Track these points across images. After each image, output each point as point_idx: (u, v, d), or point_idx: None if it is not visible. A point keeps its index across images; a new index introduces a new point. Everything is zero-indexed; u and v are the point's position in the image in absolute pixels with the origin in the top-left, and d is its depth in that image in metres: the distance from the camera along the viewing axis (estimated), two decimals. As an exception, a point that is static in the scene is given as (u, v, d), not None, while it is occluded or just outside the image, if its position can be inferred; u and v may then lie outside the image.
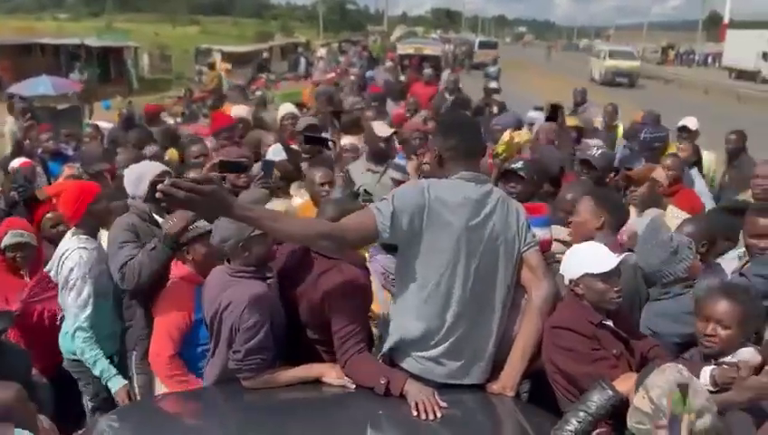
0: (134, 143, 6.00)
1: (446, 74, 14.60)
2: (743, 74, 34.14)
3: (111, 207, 3.56)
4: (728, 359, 2.39)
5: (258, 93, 13.89)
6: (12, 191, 4.28)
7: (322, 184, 4.03)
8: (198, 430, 2.51)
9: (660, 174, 4.46)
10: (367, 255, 3.29)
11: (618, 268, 2.55)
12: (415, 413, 2.29)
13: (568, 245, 3.31)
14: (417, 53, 21.85)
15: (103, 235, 3.57)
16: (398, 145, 5.65)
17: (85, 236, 3.41)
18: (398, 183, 4.27)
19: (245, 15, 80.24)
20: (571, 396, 2.47)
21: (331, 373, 2.56)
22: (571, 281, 2.61)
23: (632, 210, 3.87)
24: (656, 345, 2.70)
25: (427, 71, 12.87)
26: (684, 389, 1.50)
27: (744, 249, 3.45)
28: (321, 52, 34.00)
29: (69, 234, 3.49)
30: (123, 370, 3.43)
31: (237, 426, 2.49)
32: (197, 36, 45.60)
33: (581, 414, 2.18)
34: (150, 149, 5.60)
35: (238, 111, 7.16)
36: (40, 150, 5.98)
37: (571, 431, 2.16)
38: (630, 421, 1.89)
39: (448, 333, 2.48)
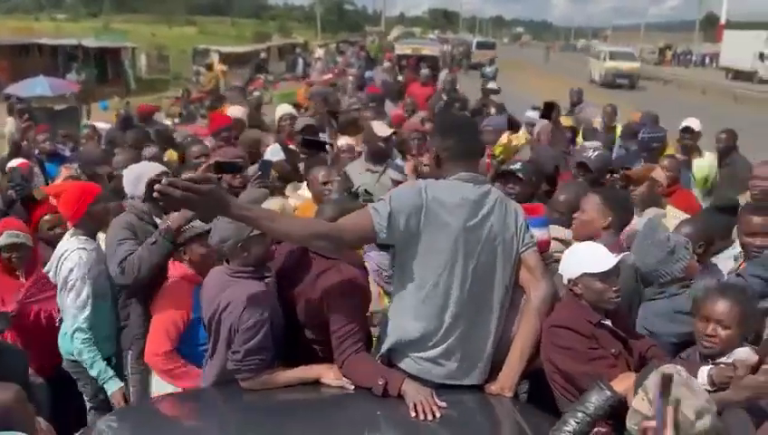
0: (131, 144, 6.00)
1: (443, 75, 14.61)
2: (739, 75, 34.18)
3: (109, 208, 3.56)
4: (723, 359, 2.41)
5: (256, 94, 13.87)
6: (9, 190, 4.27)
7: (325, 183, 4.03)
8: (197, 432, 2.51)
9: (660, 174, 4.47)
10: (360, 251, 3.29)
11: (616, 268, 2.56)
12: (413, 414, 2.29)
13: (567, 244, 3.32)
14: (415, 53, 21.85)
15: (101, 236, 3.57)
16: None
17: (84, 237, 3.42)
18: (397, 183, 4.28)
19: (243, 16, 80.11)
20: (570, 395, 2.47)
21: (329, 374, 2.56)
22: (569, 281, 2.61)
23: (632, 210, 3.88)
24: (653, 345, 2.70)
25: (424, 71, 12.87)
26: (666, 380, 1.51)
27: (739, 250, 3.47)
28: (319, 52, 34.01)
29: (68, 235, 3.49)
30: (119, 370, 3.43)
31: (236, 427, 2.50)
32: (195, 37, 45.55)
33: (579, 415, 2.18)
34: (150, 150, 5.59)
35: (234, 111, 7.15)
36: (36, 151, 5.96)
37: (570, 432, 2.16)
38: (629, 423, 1.89)
39: (446, 333, 2.48)
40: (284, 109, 6.97)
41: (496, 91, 10.55)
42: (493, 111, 8.80)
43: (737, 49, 35.23)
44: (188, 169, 4.47)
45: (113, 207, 3.63)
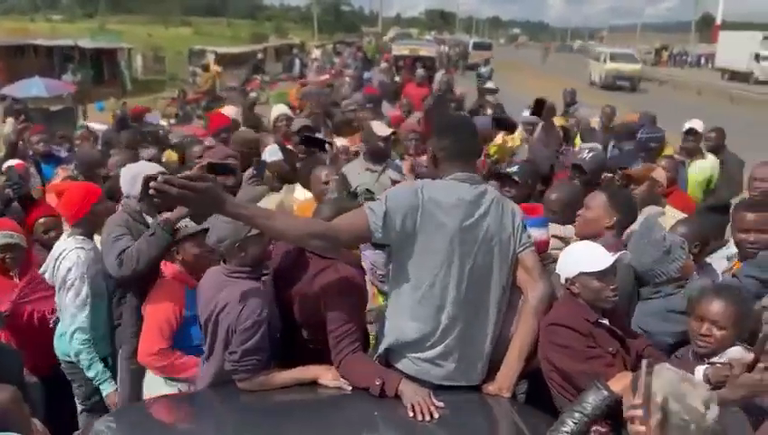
0: (126, 145, 5.98)
1: (439, 75, 14.61)
2: (735, 75, 34.26)
3: (110, 209, 3.57)
4: (716, 359, 2.42)
5: (253, 95, 13.87)
6: (6, 189, 4.26)
7: (326, 183, 4.03)
8: (196, 432, 2.50)
9: (661, 174, 4.49)
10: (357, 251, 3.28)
11: (613, 267, 2.56)
12: (411, 414, 2.29)
13: (565, 241, 3.32)
14: (412, 54, 21.82)
15: (96, 238, 3.57)
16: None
17: (81, 237, 3.43)
18: (395, 184, 4.28)
19: (239, 17, 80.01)
20: (567, 394, 2.47)
21: (327, 375, 2.55)
22: (567, 280, 2.61)
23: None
24: (650, 345, 2.71)
25: (420, 71, 12.83)
26: (651, 368, 1.52)
27: (732, 251, 3.49)
28: (316, 53, 34.04)
29: (65, 235, 3.51)
30: (114, 370, 3.43)
31: (233, 428, 2.49)
32: (191, 38, 45.49)
33: (577, 415, 2.19)
34: (148, 151, 5.59)
35: (227, 111, 7.18)
36: (31, 153, 5.95)
37: (567, 432, 2.16)
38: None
39: (444, 334, 2.48)
40: (280, 109, 6.97)
41: (494, 91, 10.54)
42: (489, 111, 8.80)
43: (733, 50, 35.28)
44: (188, 169, 4.47)
45: (110, 207, 3.63)
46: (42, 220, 3.98)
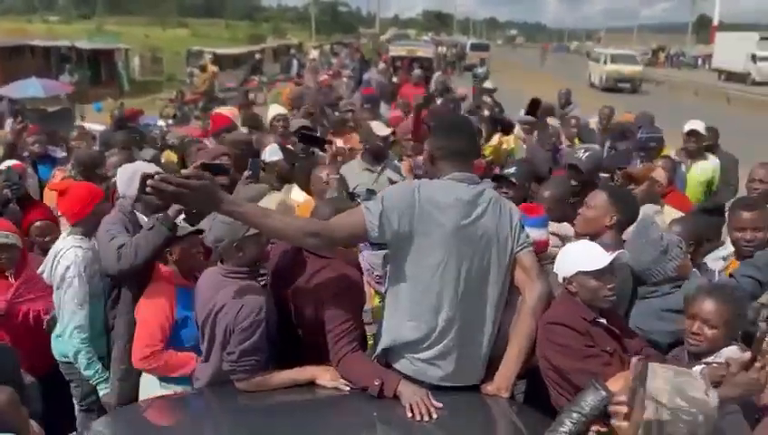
0: (122, 145, 5.97)
1: (436, 76, 14.63)
2: (732, 76, 34.30)
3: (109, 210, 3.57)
4: (712, 359, 2.42)
5: (250, 96, 13.88)
6: (5, 189, 4.25)
7: (327, 183, 4.03)
8: (192, 433, 2.50)
9: (661, 174, 4.51)
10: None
11: (611, 266, 2.56)
12: (409, 415, 2.28)
13: (564, 239, 3.33)
14: (409, 54, 21.87)
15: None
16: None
17: (80, 236, 3.43)
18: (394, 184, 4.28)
19: (236, 17, 79.90)
20: (565, 392, 2.48)
21: (325, 376, 2.55)
22: (564, 279, 2.61)
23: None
24: (646, 344, 2.72)
25: (416, 72, 12.82)
26: (641, 366, 1.54)
27: (728, 251, 3.50)
28: (314, 54, 34.00)
29: (64, 234, 3.52)
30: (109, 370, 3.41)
31: (232, 428, 2.49)
32: (188, 39, 45.44)
33: (575, 415, 2.18)
34: (148, 152, 5.59)
35: (223, 111, 7.19)
36: (26, 153, 5.94)
37: (566, 432, 2.16)
38: None
39: (441, 334, 2.47)
40: (276, 109, 6.99)
41: (492, 91, 10.53)
42: (486, 112, 8.80)
43: (730, 51, 35.29)
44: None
45: (107, 208, 3.62)
46: (37, 224, 3.98)
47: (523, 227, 2.62)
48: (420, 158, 4.16)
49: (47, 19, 57.45)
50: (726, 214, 3.47)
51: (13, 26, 40.91)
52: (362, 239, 2.60)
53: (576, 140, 7.08)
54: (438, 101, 9.03)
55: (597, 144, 6.31)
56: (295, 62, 31.40)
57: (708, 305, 2.50)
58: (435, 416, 2.28)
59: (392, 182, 4.38)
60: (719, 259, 3.58)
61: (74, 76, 23.24)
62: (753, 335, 2.71)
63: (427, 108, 6.22)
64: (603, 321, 2.56)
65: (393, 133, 5.24)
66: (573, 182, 4.33)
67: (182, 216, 3.00)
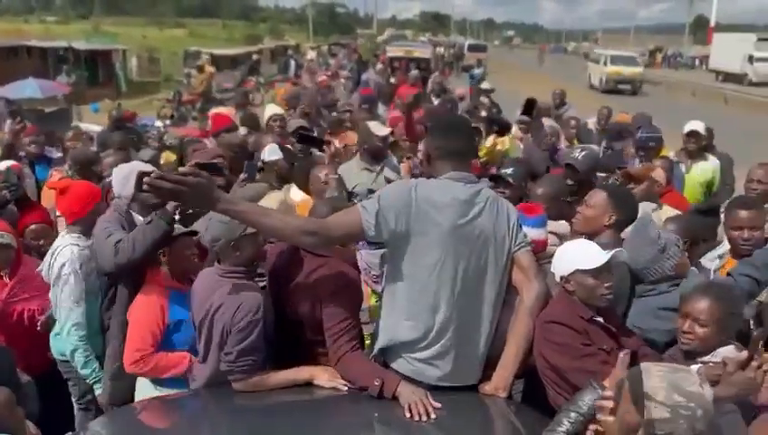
0: (118, 146, 5.96)
1: (434, 76, 14.65)
2: (729, 77, 34.35)
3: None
4: (707, 358, 2.43)
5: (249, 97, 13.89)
6: (3, 190, 4.25)
7: (326, 183, 4.02)
8: (193, 432, 2.50)
9: (660, 174, 4.51)
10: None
11: (608, 265, 2.56)
12: (408, 415, 2.28)
13: (561, 237, 3.33)
14: (407, 55, 21.91)
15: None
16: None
17: (77, 235, 3.44)
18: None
19: (233, 18, 79.84)
20: (562, 391, 2.48)
21: (323, 376, 2.55)
22: (561, 277, 2.61)
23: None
24: (644, 343, 2.72)
25: (413, 72, 12.85)
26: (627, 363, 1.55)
27: (723, 250, 3.51)
28: (311, 54, 34.03)
29: (62, 232, 3.54)
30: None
31: (230, 429, 2.48)
32: (186, 39, 45.38)
33: (573, 415, 2.18)
34: (147, 152, 5.59)
35: (222, 112, 7.20)
36: (23, 154, 5.93)
37: (564, 432, 2.16)
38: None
39: (439, 334, 2.47)
40: (273, 109, 6.99)
41: (490, 91, 10.55)
42: (483, 113, 8.81)
43: (727, 51, 35.31)
44: (185, 170, 4.47)
45: (103, 208, 3.63)
46: (32, 228, 3.99)
47: (520, 227, 2.62)
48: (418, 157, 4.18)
49: (44, 19, 57.38)
50: (722, 213, 3.48)
51: (9, 27, 40.85)
52: (359, 238, 2.59)
53: (575, 141, 7.09)
54: (436, 102, 9.05)
55: (595, 144, 6.32)
56: (293, 63, 31.40)
57: (700, 304, 2.51)
58: (433, 416, 2.28)
59: (390, 182, 4.38)
60: (715, 258, 3.59)
61: (71, 77, 23.20)
62: (749, 335, 2.72)
63: (417, 107, 6.23)
64: (600, 319, 2.56)
65: (392, 133, 5.23)
66: (569, 181, 4.34)
67: (176, 216, 3.00)
